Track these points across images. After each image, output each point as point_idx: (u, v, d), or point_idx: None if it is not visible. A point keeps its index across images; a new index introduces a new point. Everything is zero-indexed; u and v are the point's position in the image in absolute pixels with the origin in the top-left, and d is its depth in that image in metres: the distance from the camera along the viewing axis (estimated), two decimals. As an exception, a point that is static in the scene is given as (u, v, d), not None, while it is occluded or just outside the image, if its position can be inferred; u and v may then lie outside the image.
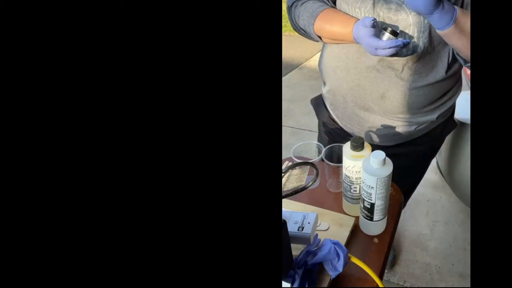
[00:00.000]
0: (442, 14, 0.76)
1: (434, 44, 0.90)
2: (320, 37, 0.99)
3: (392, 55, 0.84)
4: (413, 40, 0.88)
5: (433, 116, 1.02)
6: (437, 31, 0.81)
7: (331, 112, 1.16)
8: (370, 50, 0.84)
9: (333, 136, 1.17)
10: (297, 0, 1.01)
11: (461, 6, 0.85)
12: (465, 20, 0.78)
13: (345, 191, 0.82)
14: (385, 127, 1.04)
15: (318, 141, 1.24)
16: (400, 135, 1.05)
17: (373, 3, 0.89)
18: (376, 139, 1.07)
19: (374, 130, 1.06)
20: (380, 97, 0.98)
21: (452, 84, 1.01)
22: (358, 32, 0.85)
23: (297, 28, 1.04)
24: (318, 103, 1.21)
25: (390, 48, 0.80)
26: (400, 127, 1.03)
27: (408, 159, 1.09)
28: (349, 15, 0.93)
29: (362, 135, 1.08)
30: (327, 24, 0.94)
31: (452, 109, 1.10)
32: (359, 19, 0.87)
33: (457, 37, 0.80)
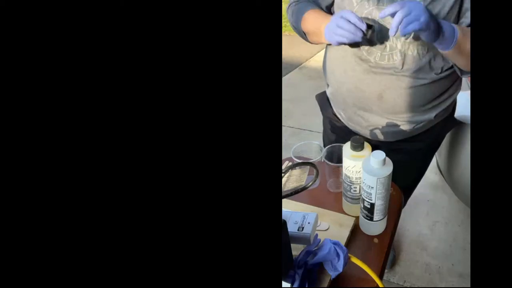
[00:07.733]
0: (443, 40, 0.83)
1: (428, 45, 0.91)
2: (305, 34, 1.06)
3: (362, 43, 0.89)
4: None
5: (431, 115, 1.04)
6: (439, 50, 0.88)
7: (334, 110, 1.19)
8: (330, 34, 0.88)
9: (337, 132, 1.19)
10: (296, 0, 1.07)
11: (459, 13, 0.89)
12: (465, 42, 0.85)
13: (345, 191, 0.82)
14: (385, 125, 1.06)
15: (323, 138, 1.29)
16: (400, 133, 1.07)
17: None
18: (377, 136, 1.10)
19: (375, 128, 1.08)
20: (378, 98, 1.00)
21: (449, 83, 1.02)
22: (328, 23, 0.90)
23: (292, 26, 1.11)
24: (323, 99, 1.24)
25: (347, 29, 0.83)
26: (399, 126, 1.06)
27: (408, 154, 1.11)
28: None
29: (364, 133, 1.11)
30: (310, 17, 1.01)
31: (451, 107, 1.12)
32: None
33: (457, 56, 0.88)
